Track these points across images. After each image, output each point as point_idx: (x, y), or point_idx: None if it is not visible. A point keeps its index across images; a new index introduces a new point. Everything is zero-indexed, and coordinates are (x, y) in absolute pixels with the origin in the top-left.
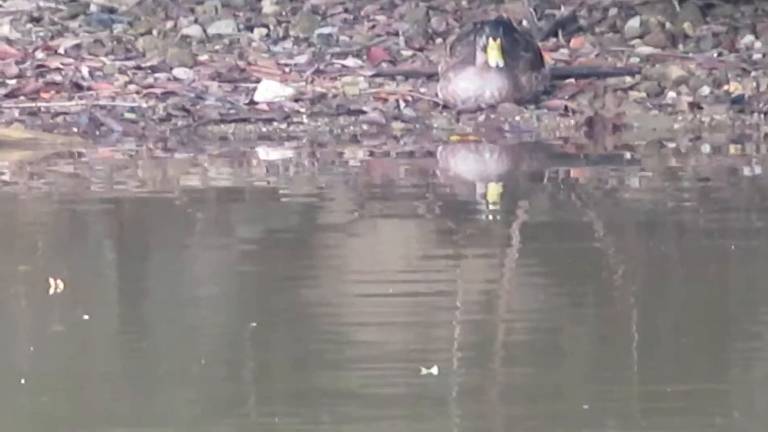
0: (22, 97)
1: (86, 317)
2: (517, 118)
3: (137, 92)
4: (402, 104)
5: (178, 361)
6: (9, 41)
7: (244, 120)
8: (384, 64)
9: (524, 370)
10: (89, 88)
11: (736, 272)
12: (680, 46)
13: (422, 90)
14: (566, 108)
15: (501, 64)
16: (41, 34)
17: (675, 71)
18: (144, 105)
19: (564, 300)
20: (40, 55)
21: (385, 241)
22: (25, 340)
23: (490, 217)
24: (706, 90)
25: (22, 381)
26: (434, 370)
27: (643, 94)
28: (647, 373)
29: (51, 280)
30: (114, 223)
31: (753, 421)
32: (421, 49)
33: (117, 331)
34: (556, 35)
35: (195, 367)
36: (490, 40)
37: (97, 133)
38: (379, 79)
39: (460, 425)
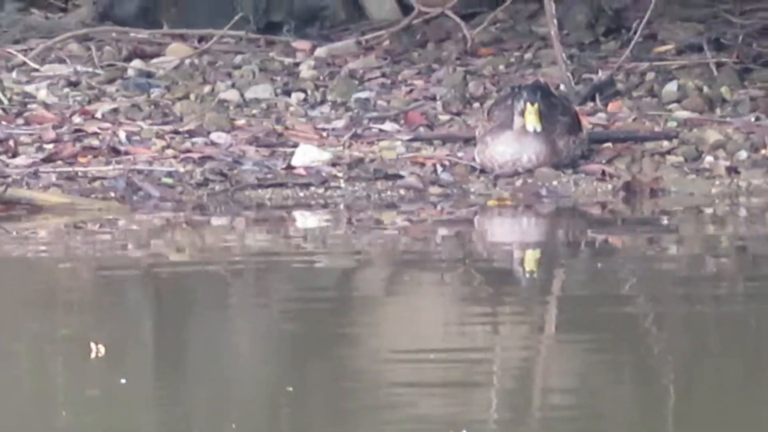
0: (59, 162)
1: (123, 381)
2: (555, 182)
3: (174, 157)
4: (439, 169)
5: (211, 426)
6: (47, 106)
7: (281, 185)
8: (421, 129)
9: None
10: (126, 153)
11: None
12: (718, 111)
13: (459, 154)
14: (604, 172)
15: (539, 128)
16: (78, 98)
17: (712, 135)
18: (181, 170)
19: (601, 368)
20: (77, 119)
21: (423, 308)
22: (65, 402)
23: (528, 283)
24: (743, 154)
25: None
26: None
27: (681, 159)
28: None
29: (92, 345)
30: (151, 289)
31: None
32: (458, 114)
33: (153, 396)
34: (593, 99)
35: (228, 429)
36: (528, 104)
37: (135, 197)
38: (416, 144)
39: None
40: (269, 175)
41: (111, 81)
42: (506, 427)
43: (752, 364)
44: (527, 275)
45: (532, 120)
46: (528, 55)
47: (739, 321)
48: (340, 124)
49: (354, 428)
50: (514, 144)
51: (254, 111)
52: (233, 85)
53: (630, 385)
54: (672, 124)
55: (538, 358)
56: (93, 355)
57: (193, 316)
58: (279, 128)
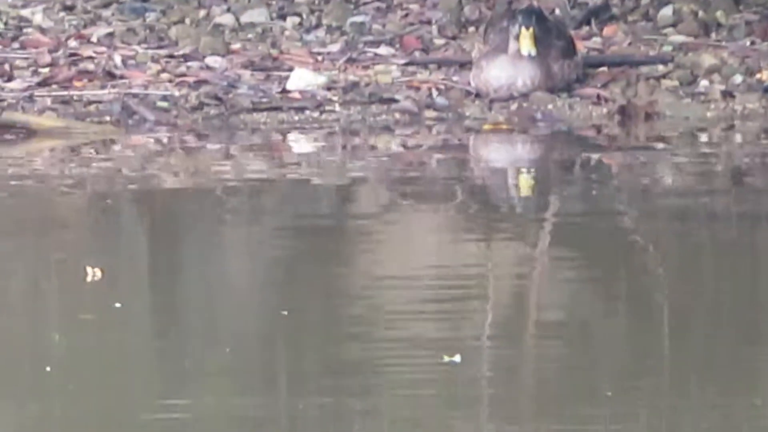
0: (54, 86)
1: (119, 305)
2: (550, 106)
3: (170, 81)
4: (434, 93)
5: (205, 351)
6: (42, 30)
7: (277, 108)
8: (417, 53)
9: (550, 359)
10: (122, 77)
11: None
12: (713, 35)
13: (455, 78)
14: (599, 96)
15: (533, 53)
16: (74, 22)
17: (707, 60)
18: (176, 93)
19: (594, 291)
20: (72, 43)
21: (417, 231)
22: (60, 325)
23: (522, 207)
24: (738, 78)
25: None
26: (457, 358)
27: (676, 83)
28: (676, 366)
29: (89, 268)
30: (146, 212)
31: None
32: (453, 38)
33: (148, 318)
34: (589, 24)
35: (223, 355)
36: (523, 29)
37: (130, 121)
38: (411, 68)
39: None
40: (264, 99)
41: (106, 5)
42: (500, 349)
43: (745, 287)
44: (522, 198)
45: (527, 44)
46: None
47: (733, 242)
48: (335, 48)
49: (348, 352)
50: (508, 68)
51: (249, 35)
52: (228, 10)
53: (622, 313)
54: (667, 48)
55: (532, 278)
56: (89, 278)
57: (188, 240)
58: (274, 52)
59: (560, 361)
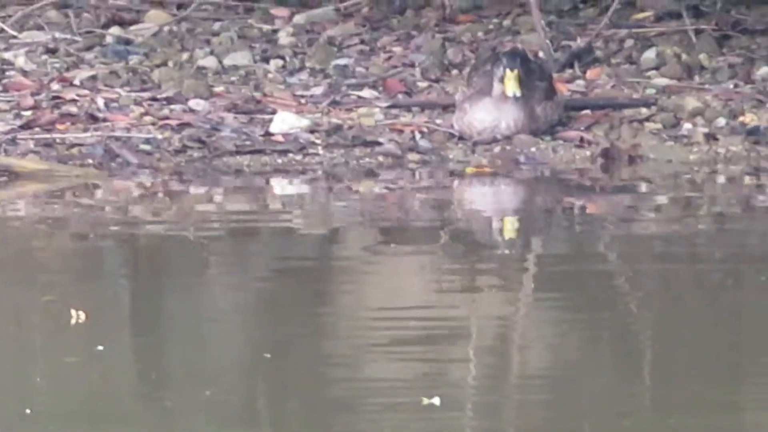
0: (37, 129)
1: (101, 348)
2: (533, 149)
3: (153, 124)
4: (418, 135)
5: (188, 391)
6: (25, 73)
7: (260, 152)
8: (400, 96)
9: (530, 402)
10: (105, 120)
11: (752, 304)
12: (696, 78)
13: (438, 121)
14: (582, 139)
15: (518, 93)
16: (57, 65)
17: (691, 102)
18: (159, 136)
19: (579, 335)
20: (55, 86)
21: (402, 274)
22: (42, 369)
23: (506, 250)
24: (722, 121)
25: (28, 411)
26: (436, 401)
27: (659, 126)
28: (661, 407)
29: (73, 311)
30: (129, 256)
31: None
32: (437, 81)
33: (130, 362)
34: (572, 66)
35: (203, 397)
36: (508, 70)
37: (113, 164)
38: (394, 111)
39: None
40: (247, 142)
41: (89, 48)
42: (481, 394)
43: (728, 327)
44: (506, 242)
45: (512, 86)
46: (507, 22)
47: (716, 285)
48: (318, 90)
49: (331, 394)
50: (492, 111)
51: (233, 78)
52: (212, 52)
53: (608, 355)
54: (650, 91)
55: (515, 324)
56: (73, 321)
57: (172, 283)
58: (257, 95)
59: (542, 406)
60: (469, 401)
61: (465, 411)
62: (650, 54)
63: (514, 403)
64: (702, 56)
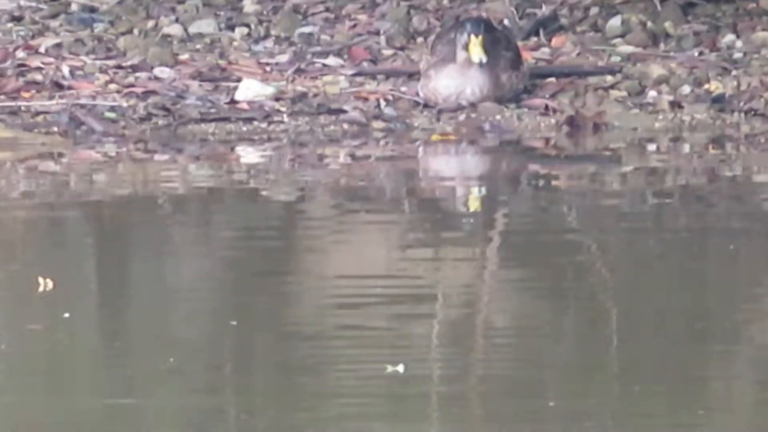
0: (2, 97)
1: (67, 315)
2: (498, 117)
3: (118, 91)
4: (383, 103)
5: (151, 359)
6: None
7: (225, 119)
8: (365, 63)
9: (494, 370)
10: (70, 88)
11: (717, 272)
12: (661, 45)
13: (403, 89)
14: (547, 107)
15: (484, 59)
16: (22, 33)
17: (656, 70)
18: (124, 104)
19: (544, 301)
20: (20, 54)
21: (366, 243)
22: (5, 337)
23: (470, 218)
24: (686, 89)
25: None
26: (400, 368)
27: (624, 93)
28: (626, 375)
29: (40, 279)
30: (94, 224)
31: (729, 416)
32: (402, 48)
33: (95, 329)
34: (537, 34)
35: (167, 364)
36: (472, 36)
37: (78, 132)
38: (359, 78)
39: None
40: (212, 110)
41: (54, 16)
42: (445, 362)
43: (693, 295)
44: (470, 210)
45: (477, 51)
46: None
47: (681, 253)
48: (283, 58)
49: (295, 362)
50: (457, 77)
51: (198, 45)
52: (177, 20)
53: (572, 321)
54: (615, 58)
55: (480, 292)
56: (41, 289)
57: (138, 251)
58: (222, 63)
59: (506, 375)
60: (433, 368)
61: (429, 378)
62: (615, 22)
63: (478, 372)
64: (667, 24)
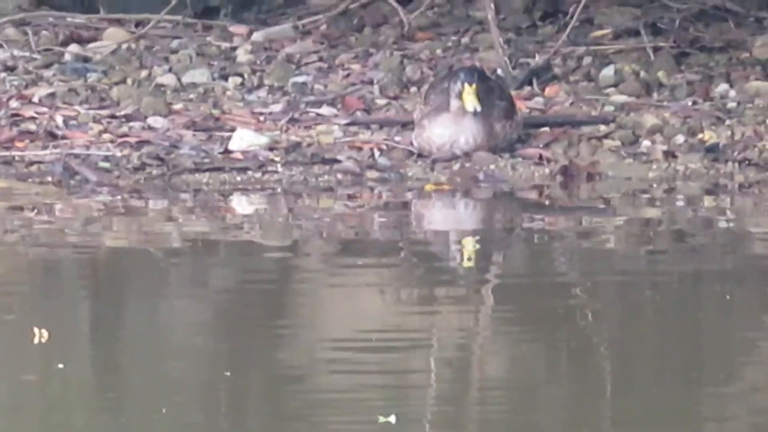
0: None
1: (61, 366)
2: (492, 166)
3: (111, 141)
4: (377, 153)
5: (145, 409)
6: None
7: (219, 169)
8: (358, 113)
9: (488, 419)
10: (64, 137)
11: (709, 320)
12: (655, 95)
13: (397, 138)
14: (541, 156)
15: (479, 108)
16: (15, 83)
17: (649, 120)
18: (118, 154)
19: (538, 351)
20: (14, 104)
21: (361, 294)
22: (1, 387)
23: (464, 269)
24: (680, 138)
25: None
26: (392, 419)
27: (618, 143)
28: (619, 421)
29: (36, 330)
30: (89, 274)
31: None
32: (395, 98)
33: (90, 381)
34: (530, 84)
35: (159, 415)
36: (466, 85)
37: (72, 182)
38: (353, 128)
39: None
40: (206, 160)
41: (48, 65)
42: (438, 412)
43: (688, 346)
44: (465, 261)
45: (471, 100)
46: (465, 40)
47: (674, 301)
48: (277, 108)
49: (287, 412)
50: (451, 126)
51: (191, 95)
52: (170, 70)
53: (566, 374)
54: (609, 108)
55: (475, 342)
56: (36, 340)
57: (132, 301)
58: (216, 113)
59: (500, 423)
60: (426, 419)
61: (421, 430)
62: (609, 71)
63: (472, 421)
64: (660, 73)
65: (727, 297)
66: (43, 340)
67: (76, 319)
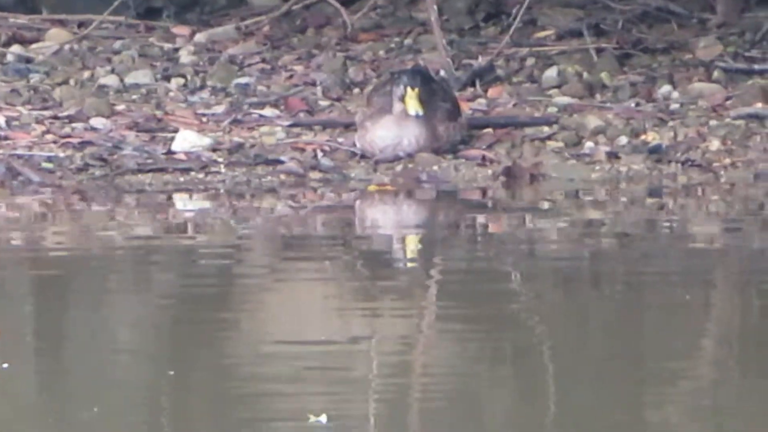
0: None
1: (5, 366)
2: (435, 167)
3: (54, 142)
4: (320, 154)
5: (82, 409)
6: None
7: (162, 170)
8: (301, 114)
9: (421, 418)
10: (6, 138)
11: (652, 321)
12: (598, 96)
13: (340, 140)
14: (484, 158)
15: (420, 112)
16: None
17: (592, 121)
18: (61, 155)
19: (479, 351)
20: None
21: (303, 294)
22: None
23: (406, 269)
24: (623, 140)
25: None
26: (323, 419)
27: (561, 144)
28: (563, 424)
29: None
30: (31, 275)
31: None
32: (338, 99)
33: (33, 381)
34: (473, 85)
35: (93, 414)
36: (408, 89)
37: (15, 182)
38: (296, 129)
39: None
40: (149, 161)
41: None
42: (373, 412)
43: (628, 344)
44: (407, 260)
45: (413, 105)
46: (408, 41)
47: (618, 304)
48: (220, 109)
49: (232, 410)
50: (394, 128)
51: (134, 96)
52: (113, 71)
53: (509, 368)
54: (552, 109)
55: (415, 343)
56: None
57: (75, 302)
58: (159, 114)
59: (437, 422)
60: (357, 419)
61: (350, 429)
62: (551, 72)
63: (406, 420)
64: (603, 75)
65: (669, 296)
66: None
67: (25, 320)
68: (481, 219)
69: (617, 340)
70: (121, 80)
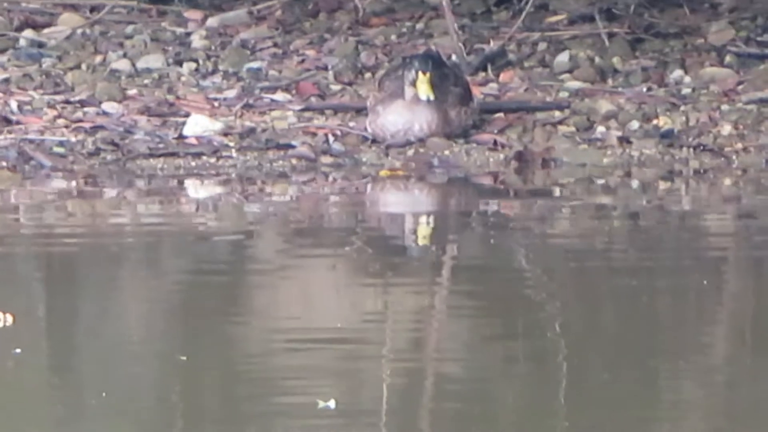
0: None
1: (18, 350)
2: (446, 152)
3: (66, 126)
4: (331, 138)
5: (93, 394)
6: None
7: (173, 154)
8: (313, 99)
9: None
10: (18, 122)
11: (664, 309)
12: (609, 81)
13: (351, 124)
14: (495, 142)
15: (431, 97)
16: None
17: (604, 106)
18: (73, 139)
19: (492, 338)
20: None
21: (315, 279)
22: None
23: (419, 254)
24: (635, 124)
25: None
26: (331, 404)
27: (573, 129)
28: (574, 411)
29: (0, 314)
30: (44, 260)
31: None
32: (350, 84)
33: (44, 366)
34: (485, 70)
35: (104, 400)
36: (420, 73)
37: (26, 167)
38: (308, 114)
39: None
40: (161, 145)
41: (2, 51)
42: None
43: (641, 332)
44: (419, 246)
45: (424, 89)
46: (420, 25)
47: (631, 292)
48: (231, 93)
49: (244, 396)
50: (405, 113)
51: (146, 81)
52: (125, 55)
53: (521, 355)
54: (563, 94)
55: (427, 329)
56: (0, 324)
57: (88, 287)
58: (170, 98)
59: (442, 412)
60: (365, 406)
61: (358, 415)
62: (563, 57)
63: (415, 409)
64: (615, 59)
65: (681, 283)
66: (7, 325)
67: (37, 306)
68: (492, 204)
69: (630, 321)
70: (133, 65)
